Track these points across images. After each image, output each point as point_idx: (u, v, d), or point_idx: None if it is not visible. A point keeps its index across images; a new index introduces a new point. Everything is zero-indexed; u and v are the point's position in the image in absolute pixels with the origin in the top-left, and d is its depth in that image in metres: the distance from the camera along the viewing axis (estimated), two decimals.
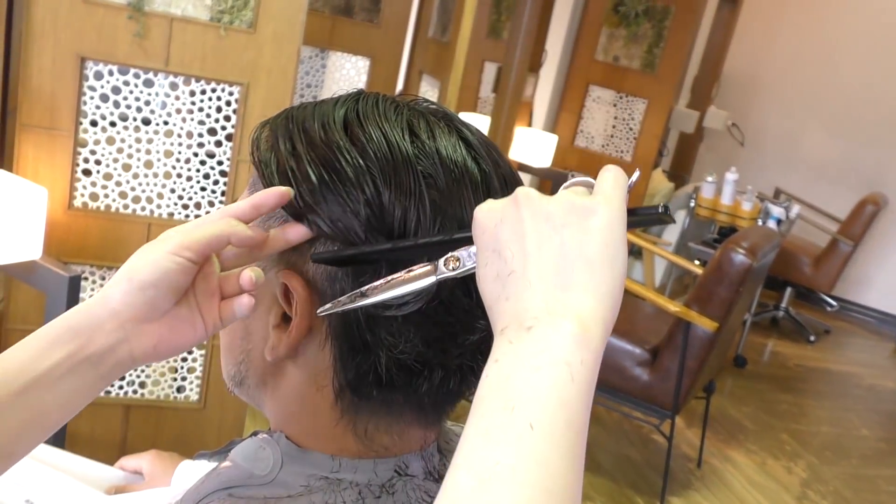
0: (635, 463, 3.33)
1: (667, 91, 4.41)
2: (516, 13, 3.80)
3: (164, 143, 1.80)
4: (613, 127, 4.59)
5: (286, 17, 1.76)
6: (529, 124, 4.07)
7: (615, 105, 4.57)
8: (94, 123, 1.75)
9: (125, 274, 0.57)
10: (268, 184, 0.59)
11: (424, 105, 0.63)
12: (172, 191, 1.84)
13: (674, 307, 2.85)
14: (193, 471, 1.00)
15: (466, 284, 0.56)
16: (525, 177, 4.41)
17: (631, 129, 4.54)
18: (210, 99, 1.80)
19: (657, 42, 4.38)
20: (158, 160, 1.81)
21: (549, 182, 4.21)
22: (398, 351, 0.57)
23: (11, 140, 1.70)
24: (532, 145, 3.94)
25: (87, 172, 1.77)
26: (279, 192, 0.57)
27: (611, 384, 3.04)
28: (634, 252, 4.61)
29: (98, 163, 1.77)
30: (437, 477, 0.64)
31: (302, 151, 0.58)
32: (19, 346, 0.57)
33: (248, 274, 0.58)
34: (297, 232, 0.57)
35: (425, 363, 0.58)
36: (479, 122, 3.97)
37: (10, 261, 1.62)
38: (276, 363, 0.61)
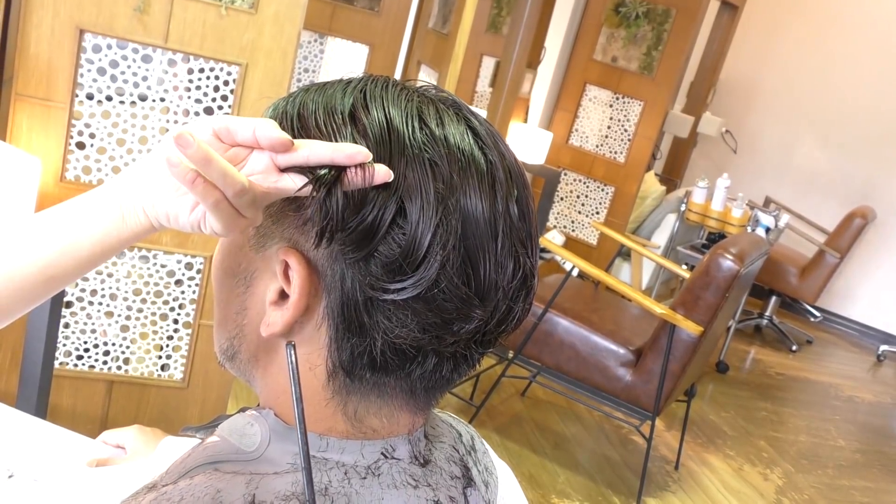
0: (614, 463, 3.34)
1: (663, 94, 4.42)
2: (517, 9, 3.79)
3: (159, 120, 1.79)
4: (608, 127, 4.60)
5: None
6: (525, 120, 4.08)
7: (611, 105, 4.57)
8: (90, 97, 1.74)
9: (159, 146, 0.62)
10: None
11: (434, 92, 0.63)
12: None
13: (659, 309, 2.87)
14: (178, 445, 1.00)
15: (466, 273, 0.56)
16: None
17: (626, 130, 4.55)
18: (208, 78, 1.79)
19: (656, 45, 4.38)
20: (153, 137, 1.80)
21: (542, 179, 4.21)
22: (394, 335, 0.57)
23: (6, 109, 1.69)
24: (526, 142, 3.94)
25: (80, 145, 1.76)
26: (275, 136, 0.56)
27: (593, 383, 3.05)
28: (623, 253, 4.62)
29: (92, 136, 1.76)
30: (423, 462, 0.64)
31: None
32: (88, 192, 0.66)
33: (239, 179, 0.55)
34: (294, 180, 0.56)
35: (419, 349, 0.58)
36: None
37: None
38: (270, 340, 0.61)
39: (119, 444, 1.22)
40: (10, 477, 1.13)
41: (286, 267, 0.58)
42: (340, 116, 0.58)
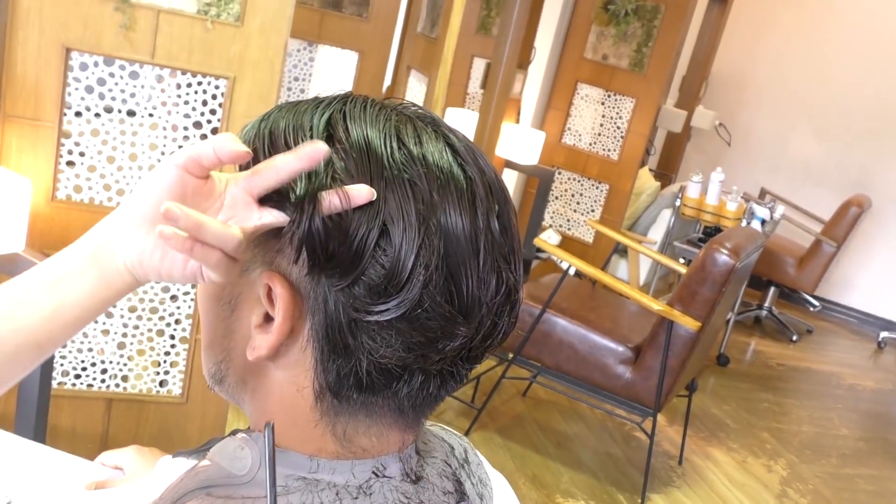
0: (617, 460, 3.34)
1: (655, 90, 4.42)
2: (506, 9, 3.79)
3: (148, 136, 1.79)
4: (601, 125, 4.60)
5: (273, 10, 1.75)
6: (517, 121, 4.08)
7: (603, 103, 4.57)
8: (78, 115, 1.74)
9: (138, 187, 0.60)
10: None
11: (413, 109, 0.62)
12: None
13: (657, 306, 2.87)
14: (173, 469, 1.00)
15: (449, 291, 0.56)
16: (512, 173, 4.41)
17: (618, 127, 4.55)
18: (196, 92, 1.79)
19: (646, 41, 4.38)
20: (143, 153, 1.80)
21: (536, 179, 4.21)
22: (379, 355, 0.57)
23: None
24: (519, 142, 3.94)
25: (70, 164, 1.76)
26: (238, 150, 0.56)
27: (593, 381, 3.05)
28: (620, 250, 4.62)
29: (82, 154, 1.76)
30: (415, 478, 0.64)
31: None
32: (65, 249, 0.63)
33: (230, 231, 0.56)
34: (274, 215, 0.56)
35: (406, 368, 0.58)
36: (467, 117, 3.97)
37: None
38: (258, 363, 0.61)
39: (117, 466, 1.21)
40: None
41: (269, 291, 0.58)
42: (310, 134, 0.58)
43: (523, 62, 3.90)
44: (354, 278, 0.55)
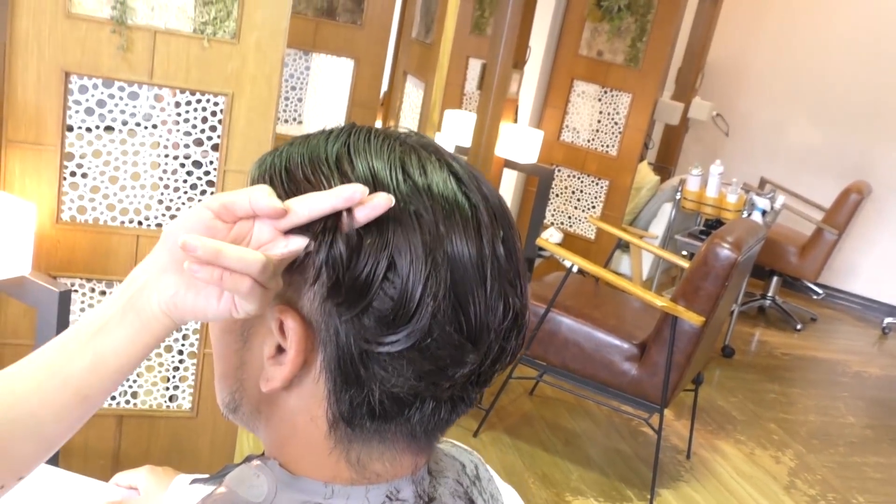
0: (625, 456, 3.36)
1: (651, 84, 4.43)
2: (499, 9, 3.80)
3: (150, 155, 1.81)
4: (598, 121, 4.61)
5: (269, 26, 1.76)
6: (515, 120, 4.08)
7: (600, 100, 4.58)
8: (79, 137, 1.75)
9: (165, 230, 0.61)
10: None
11: (415, 139, 0.64)
12: (160, 202, 1.84)
13: (660, 302, 2.88)
14: (189, 495, 1.01)
15: (458, 321, 0.58)
16: (511, 173, 4.42)
17: (616, 122, 4.56)
18: (195, 109, 1.80)
19: (640, 36, 4.39)
20: (145, 172, 1.81)
21: (536, 178, 4.22)
22: (391, 385, 0.58)
23: None
24: (518, 141, 3.95)
25: (73, 186, 1.77)
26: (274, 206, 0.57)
27: (599, 379, 3.07)
28: (622, 245, 4.63)
29: (85, 176, 1.78)
30: (428, 500, 0.65)
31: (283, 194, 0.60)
32: (105, 300, 0.63)
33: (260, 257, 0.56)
34: (299, 241, 0.57)
35: (417, 395, 0.59)
36: (465, 119, 3.98)
37: (1, 276, 1.63)
38: (271, 393, 0.63)
39: (132, 486, 1.23)
40: None
41: (281, 324, 0.59)
42: (327, 166, 0.60)
43: (519, 61, 3.90)
44: (363, 309, 0.56)
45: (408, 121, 2.86)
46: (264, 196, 0.56)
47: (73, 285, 1.83)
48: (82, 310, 1.86)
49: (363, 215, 0.56)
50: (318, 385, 0.60)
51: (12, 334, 1.81)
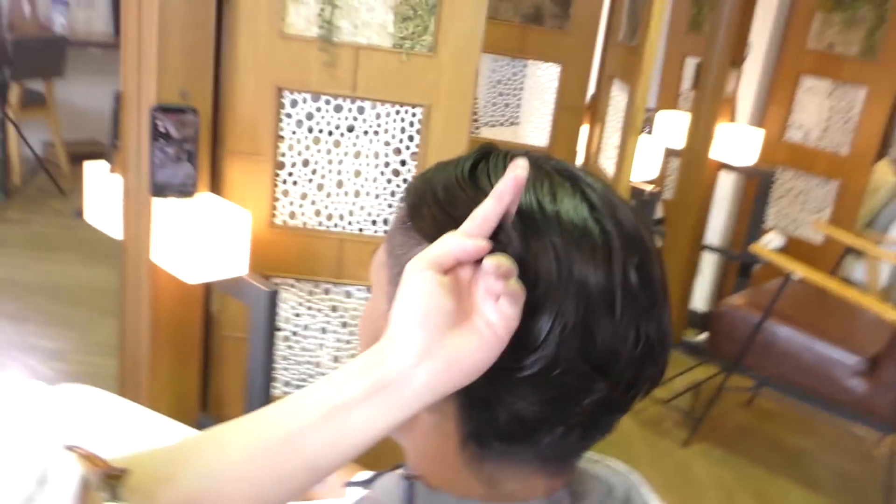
0: (854, 480, 3.12)
1: (891, 77, 4.07)
2: (718, 5, 3.66)
3: (353, 164, 1.92)
4: (827, 119, 4.30)
5: (464, 39, 1.81)
6: (732, 120, 3.91)
7: (830, 95, 4.28)
8: (290, 147, 1.89)
9: (397, 311, 0.58)
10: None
11: (552, 163, 0.64)
12: (362, 208, 1.95)
13: (893, 315, 2.65)
14: (349, 496, 1.06)
15: (586, 350, 0.58)
16: (729, 176, 4.23)
17: (848, 120, 4.24)
18: (394, 121, 1.89)
19: (878, 25, 4.05)
20: (348, 180, 1.92)
21: (756, 180, 4.02)
22: (517, 408, 0.59)
23: (220, 166, 1.88)
24: (735, 142, 3.78)
25: (285, 193, 1.92)
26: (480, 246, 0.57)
27: (821, 394, 2.87)
28: (855, 250, 4.30)
29: (294, 183, 1.91)
30: None
31: (428, 215, 0.62)
32: (325, 379, 0.61)
33: (491, 262, 0.55)
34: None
35: (544, 420, 0.59)
36: (678, 119, 3.86)
37: (222, 277, 1.80)
38: None
39: None
40: None
41: None
42: (464, 190, 0.62)
43: (737, 59, 3.74)
44: None
45: (613, 125, 2.82)
46: (464, 241, 0.56)
47: (282, 284, 1.97)
48: (295, 312, 2.00)
49: (508, 197, 0.56)
50: (448, 403, 0.61)
51: (232, 327, 1.98)
